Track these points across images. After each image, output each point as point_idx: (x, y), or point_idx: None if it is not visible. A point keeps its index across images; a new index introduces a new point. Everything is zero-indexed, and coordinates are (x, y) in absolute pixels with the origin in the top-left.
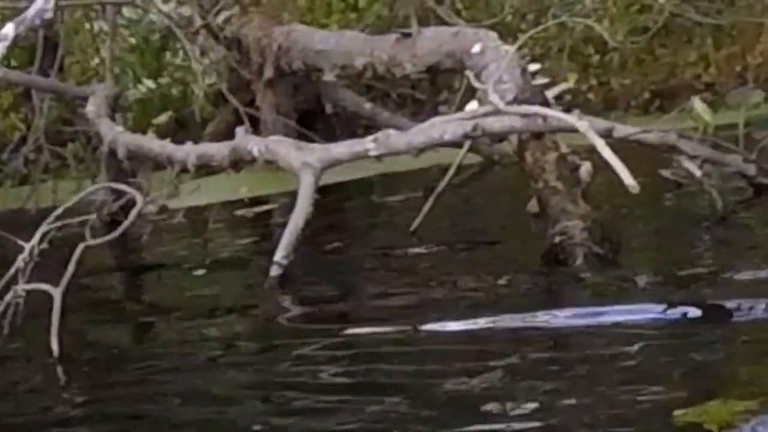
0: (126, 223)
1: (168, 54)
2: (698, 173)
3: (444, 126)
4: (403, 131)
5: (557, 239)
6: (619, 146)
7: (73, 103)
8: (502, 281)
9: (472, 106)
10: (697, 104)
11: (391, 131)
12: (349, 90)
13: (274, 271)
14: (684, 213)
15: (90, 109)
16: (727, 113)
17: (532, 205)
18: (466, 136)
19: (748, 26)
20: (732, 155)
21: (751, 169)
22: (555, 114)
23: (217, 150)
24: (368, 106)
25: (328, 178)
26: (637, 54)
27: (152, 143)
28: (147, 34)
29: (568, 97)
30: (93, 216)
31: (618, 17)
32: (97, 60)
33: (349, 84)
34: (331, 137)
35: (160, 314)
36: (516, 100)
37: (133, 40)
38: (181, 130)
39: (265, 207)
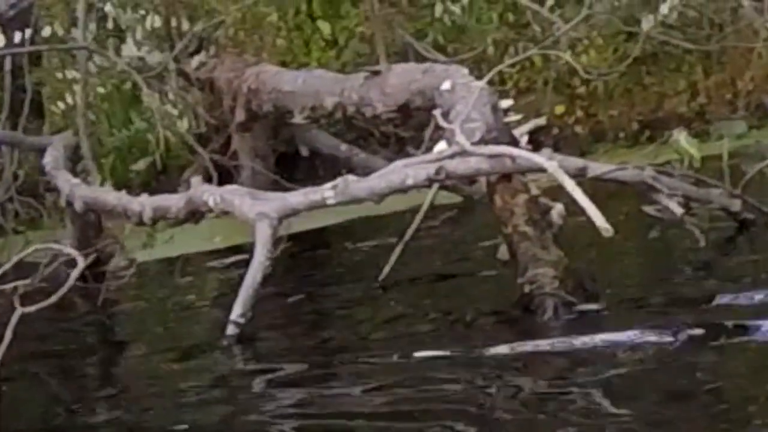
0: (64, 289)
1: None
2: (679, 212)
3: (406, 170)
4: (364, 177)
5: (527, 288)
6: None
7: None
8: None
9: (440, 147)
10: (682, 137)
11: (351, 177)
12: (323, 131)
13: (231, 330)
14: (668, 250)
15: (47, 160)
16: (717, 143)
17: (502, 252)
18: (429, 180)
19: (737, 52)
20: (715, 191)
21: (736, 205)
22: (523, 154)
23: (173, 202)
24: (344, 147)
25: (304, 224)
26: (624, 84)
27: (108, 196)
28: (118, 82)
29: (555, 131)
30: (27, 281)
31: (604, 47)
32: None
33: (329, 123)
34: (314, 180)
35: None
36: (483, 140)
37: (101, 89)
38: (162, 174)
39: (235, 258)
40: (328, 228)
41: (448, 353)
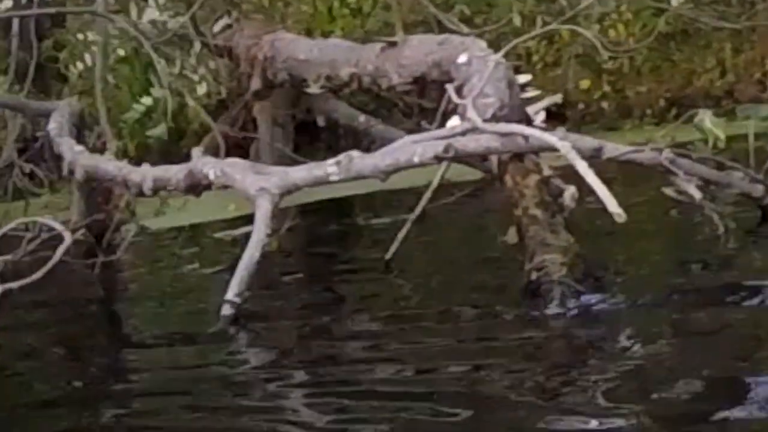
0: (51, 263)
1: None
2: (698, 196)
3: (413, 147)
4: (368, 154)
5: (534, 275)
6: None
7: None
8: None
9: (453, 122)
10: (707, 117)
11: (355, 153)
12: (342, 101)
13: (226, 310)
14: (686, 237)
15: (52, 126)
16: (743, 123)
17: (511, 235)
18: (437, 158)
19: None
20: (737, 174)
21: (758, 190)
22: (535, 133)
23: (173, 173)
24: (362, 118)
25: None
26: (653, 60)
27: (108, 165)
28: (138, 45)
29: (581, 106)
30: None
31: (632, 22)
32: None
33: (351, 93)
34: (335, 150)
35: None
36: (496, 117)
37: (121, 52)
38: (182, 140)
39: (244, 229)
40: (347, 199)
41: None
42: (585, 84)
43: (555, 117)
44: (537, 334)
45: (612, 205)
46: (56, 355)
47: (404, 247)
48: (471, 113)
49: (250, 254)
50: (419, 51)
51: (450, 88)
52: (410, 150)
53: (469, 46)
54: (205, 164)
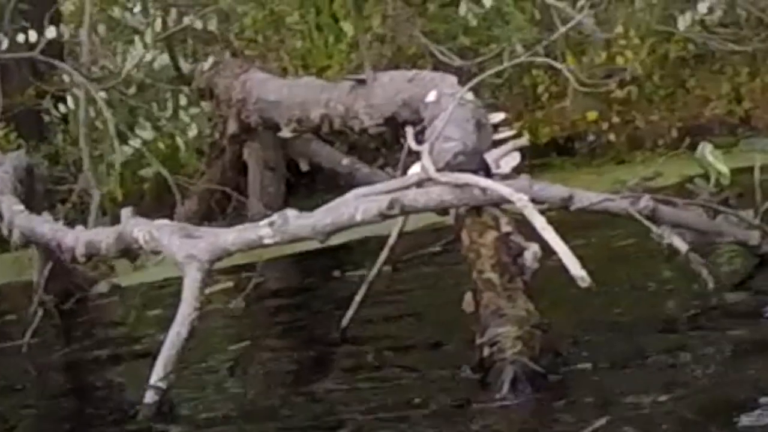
0: None
1: (155, 106)
2: (684, 248)
3: (356, 203)
4: (306, 213)
5: (486, 351)
6: None
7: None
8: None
9: (414, 169)
10: (707, 150)
11: (290, 212)
12: (324, 143)
13: (149, 397)
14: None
15: None
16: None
17: (467, 302)
18: (382, 215)
19: None
20: (731, 219)
21: (755, 238)
22: (489, 184)
23: (104, 237)
24: (345, 161)
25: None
26: (666, 87)
27: (44, 226)
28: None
29: (591, 137)
30: None
31: (640, 47)
32: None
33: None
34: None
35: None
36: (450, 165)
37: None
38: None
39: (220, 286)
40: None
41: None
42: (592, 115)
43: (564, 152)
44: (481, 424)
45: (574, 267)
46: None
47: (368, 302)
48: (425, 161)
49: (177, 331)
50: (389, 89)
51: (409, 131)
52: (352, 207)
53: (438, 83)
54: (134, 227)
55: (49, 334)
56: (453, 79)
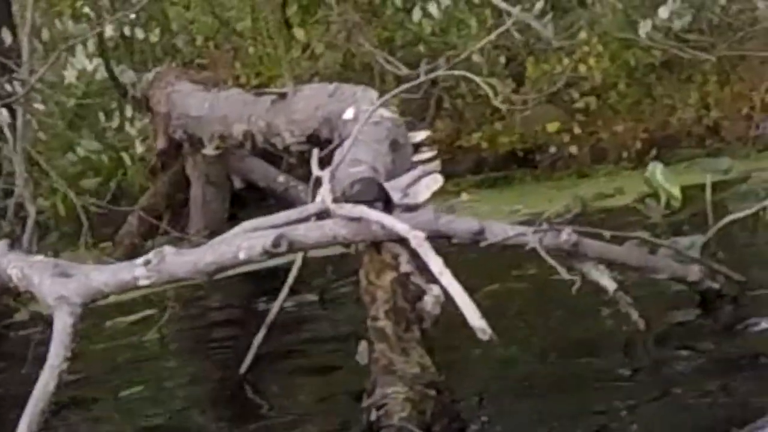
0: None
1: (101, 117)
2: (612, 287)
3: (239, 240)
4: (185, 250)
5: (373, 415)
6: None
7: None
8: None
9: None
10: (657, 170)
11: (168, 249)
12: (259, 159)
13: None
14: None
15: None
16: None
17: (362, 353)
18: (267, 253)
19: (755, 60)
20: (664, 254)
21: (694, 273)
22: (382, 218)
23: None
24: (281, 178)
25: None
26: (630, 96)
27: None
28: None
29: (552, 149)
30: None
31: (603, 55)
32: None
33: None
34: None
35: None
36: (345, 194)
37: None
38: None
39: (137, 315)
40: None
41: None
42: (553, 126)
43: (525, 164)
44: None
45: (474, 317)
46: None
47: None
48: (324, 189)
49: (44, 384)
50: (310, 104)
51: (314, 153)
52: (236, 244)
53: (358, 99)
54: (9, 263)
55: None
56: (374, 94)
